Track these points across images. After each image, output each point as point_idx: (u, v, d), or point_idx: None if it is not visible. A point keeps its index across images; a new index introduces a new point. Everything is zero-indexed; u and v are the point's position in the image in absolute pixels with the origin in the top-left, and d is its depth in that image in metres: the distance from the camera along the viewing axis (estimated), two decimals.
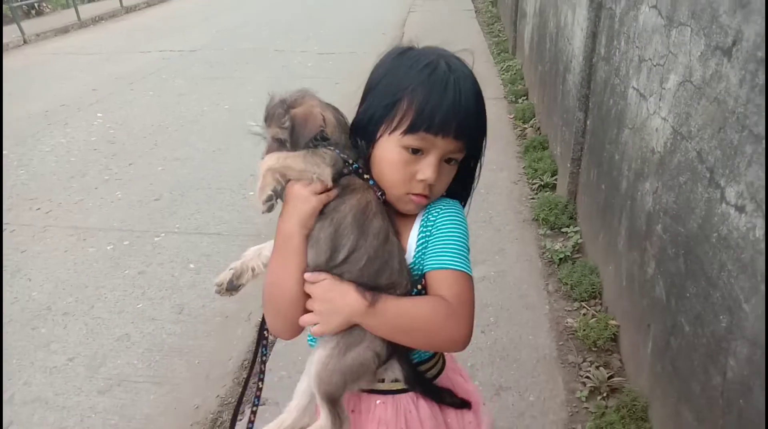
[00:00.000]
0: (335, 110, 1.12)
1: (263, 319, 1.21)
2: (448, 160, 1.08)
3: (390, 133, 1.05)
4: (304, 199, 1.04)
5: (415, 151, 1.05)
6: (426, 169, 1.04)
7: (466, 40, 8.72)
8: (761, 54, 1.39)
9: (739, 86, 1.50)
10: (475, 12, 10.96)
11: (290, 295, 1.07)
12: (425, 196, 1.08)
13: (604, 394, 2.32)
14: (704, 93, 1.72)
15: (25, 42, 10.22)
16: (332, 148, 1.06)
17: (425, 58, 1.07)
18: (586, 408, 2.29)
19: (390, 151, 1.06)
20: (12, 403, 2.56)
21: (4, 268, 3.53)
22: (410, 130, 1.03)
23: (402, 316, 1.04)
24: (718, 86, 1.63)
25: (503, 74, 6.67)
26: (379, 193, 1.08)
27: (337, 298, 1.04)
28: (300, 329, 1.13)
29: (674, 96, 1.96)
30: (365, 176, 1.08)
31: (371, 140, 1.09)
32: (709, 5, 1.71)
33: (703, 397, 1.67)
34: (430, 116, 1.02)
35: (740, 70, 1.50)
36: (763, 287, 1.35)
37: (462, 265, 1.08)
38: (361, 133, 1.10)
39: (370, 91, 1.12)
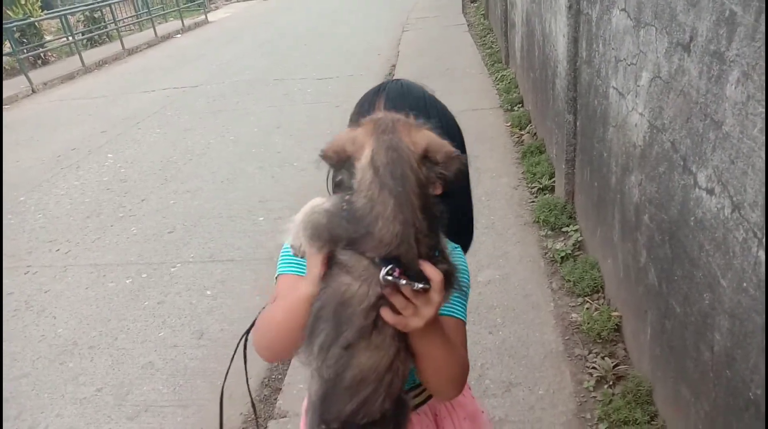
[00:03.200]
0: (405, 163, 0.85)
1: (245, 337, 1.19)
2: None
3: None
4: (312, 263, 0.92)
5: None
6: None
7: (460, 53, 8.90)
8: (713, 47, 1.51)
9: (699, 78, 1.62)
10: (468, 26, 11.15)
11: (286, 340, 0.99)
12: None
13: (611, 383, 2.40)
14: (672, 87, 1.84)
15: (33, 91, 10.55)
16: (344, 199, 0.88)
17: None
18: (594, 397, 2.38)
19: None
20: None
21: (29, 308, 3.68)
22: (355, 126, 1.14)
23: (444, 346, 0.99)
24: (682, 80, 1.74)
25: (498, 84, 6.80)
26: (387, 271, 0.85)
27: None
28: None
29: (647, 92, 2.07)
30: (368, 255, 0.86)
31: None
32: (668, 5, 1.83)
33: (696, 373, 1.75)
34: (362, 106, 1.14)
35: (698, 63, 1.61)
36: (736, 262, 1.45)
37: (464, 314, 1.11)
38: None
39: None
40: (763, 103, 1.26)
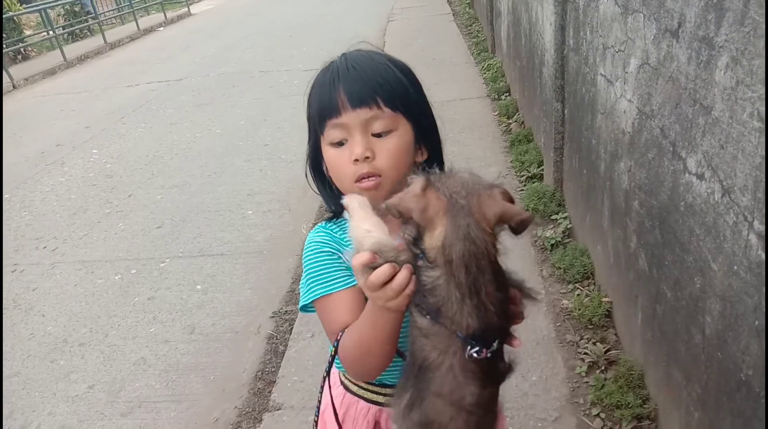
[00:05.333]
0: (481, 255, 0.82)
1: (330, 363, 1.13)
2: (379, 134, 1.03)
3: (322, 144, 1.09)
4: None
5: (340, 144, 1.04)
6: (355, 148, 1.02)
7: (446, 43, 8.88)
8: (702, 33, 1.51)
9: (687, 64, 1.62)
10: (453, 15, 11.13)
11: (383, 358, 1.00)
12: (372, 175, 1.03)
13: (603, 368, 2.43)
14: (660, 73, 1.84)
15: (14, 87, 10.40)
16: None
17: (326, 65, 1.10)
18: (587, 382, 2.40)
19: (326, 155, 1.08)
20: None
21: (17, 307, 3.65)
22: (321, 128, 1.06)
23: None
24: (671, 66, 1.75)
25: (485, 73, 6.80)
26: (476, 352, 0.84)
27: None
28: None
29: (636, 78, 2.08)
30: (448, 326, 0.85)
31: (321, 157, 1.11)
32: None
33: (688, 356, 1.77)
34: (323, 103, 1.05)
35: (687, 49, 1.62)
36: (727, 246, 1.47)
37: None
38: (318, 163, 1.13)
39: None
40: (753, 88, 1.27)
